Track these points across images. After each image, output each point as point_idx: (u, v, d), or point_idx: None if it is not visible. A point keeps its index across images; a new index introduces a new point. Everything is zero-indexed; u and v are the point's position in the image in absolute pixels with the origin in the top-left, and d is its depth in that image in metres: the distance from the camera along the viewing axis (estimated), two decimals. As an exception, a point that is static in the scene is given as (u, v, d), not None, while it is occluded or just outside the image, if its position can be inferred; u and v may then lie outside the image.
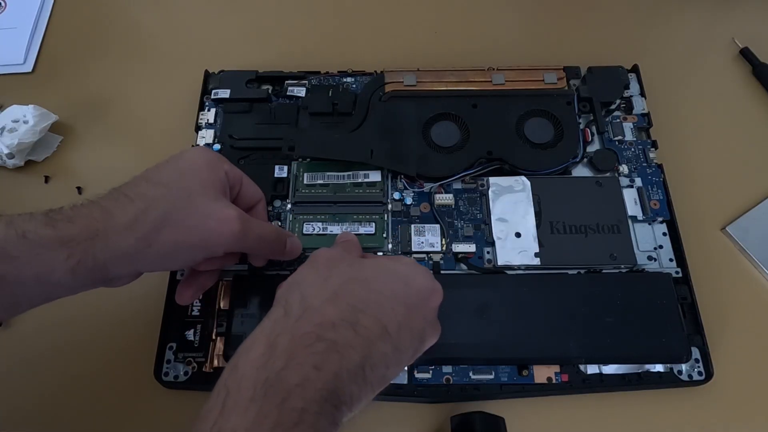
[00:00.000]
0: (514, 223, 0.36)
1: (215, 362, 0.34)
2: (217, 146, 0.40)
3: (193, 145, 0.41)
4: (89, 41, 0.49)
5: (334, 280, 0.25)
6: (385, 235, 0.37)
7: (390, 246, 0.37)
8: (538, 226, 0.36)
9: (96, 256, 0.26)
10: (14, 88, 0.46)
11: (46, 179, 0.42)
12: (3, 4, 0.50)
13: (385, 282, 0.26)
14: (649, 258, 0.36)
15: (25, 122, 0.41)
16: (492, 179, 0.38)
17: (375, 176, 0.38)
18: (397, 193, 0.38)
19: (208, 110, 0.42)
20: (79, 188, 0.42)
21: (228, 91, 0.41)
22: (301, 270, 0.27)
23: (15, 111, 0.42)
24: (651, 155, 0.39)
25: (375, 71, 0.43)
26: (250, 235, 0.29)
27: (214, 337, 0.34)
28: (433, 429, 0.33)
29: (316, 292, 0.25)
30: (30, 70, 0.47)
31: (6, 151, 0.41)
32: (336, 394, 0.22)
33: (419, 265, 0.29)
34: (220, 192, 0.29)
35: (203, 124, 0.41)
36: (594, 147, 0.40)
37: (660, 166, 0.39)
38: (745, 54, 0.45)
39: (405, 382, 0.33)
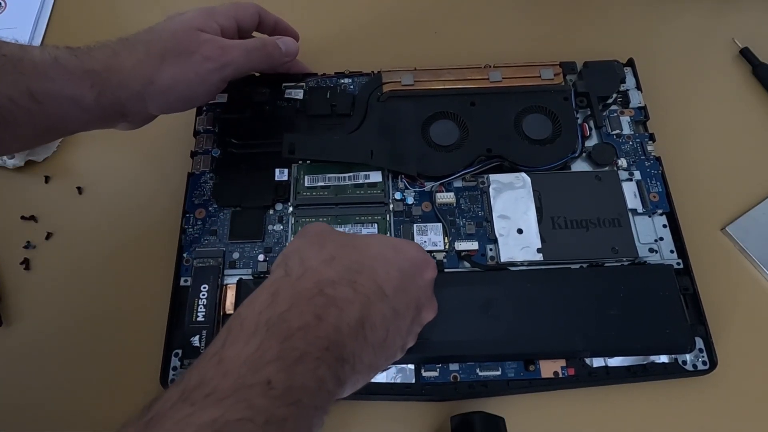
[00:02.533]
0: (515, 220, 0.36)
1: (222, 367, 0.33)
2: (216, 151, 0.40)
3: (192, 151, 0.41)
4: (89, 41, 0.48)
5: (330, 246, 0.26)
6: (388, 235, 0.37)
7: (393, 246, 0.37)
8: (539, 221, 0.36)
9: (113, 91, 0.30)
10: None
11: (46, 179, 0.42)
12: (3, 4, 0.50)
13: (378, 249, 0.27)
14: (651, 250, 0.36)
15: None
16: (492, 176, 0.38)
17: (376, 177, 0.38)
18: (399, 193, 0.38)
19: (206, 114, 0.42)
20: (79, 188, 0.42)
21: (225, 95, 0.41)
22: (294, 241, 0.28)
23: None
24: (649, 148, 0.40)
25: (372, 72, 0.43)
26: (235, 56, 0.34)
27: (220, 342, 0.34)
28: (433, 429, 0.33)
29: (314, 255, 0.26)
30: None
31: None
32: (337, 346, 0.22)
33: (411, 241, 0.29)
34: (207, 33, 0.33)
35: (201, 129, 0.41)
36: (592, 141, 0.40)
37: (658, 159, 0.39)
38: (745, 54, 0.45)
39: (413, 381, 0.33)
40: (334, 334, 0.22)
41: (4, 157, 0.41)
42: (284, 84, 0.42)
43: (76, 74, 0.29)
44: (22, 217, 0.41)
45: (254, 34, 0.40)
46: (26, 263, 0.39)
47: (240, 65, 0.35)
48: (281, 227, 0.37)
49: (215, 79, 0.34)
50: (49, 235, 0.40)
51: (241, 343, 0.21)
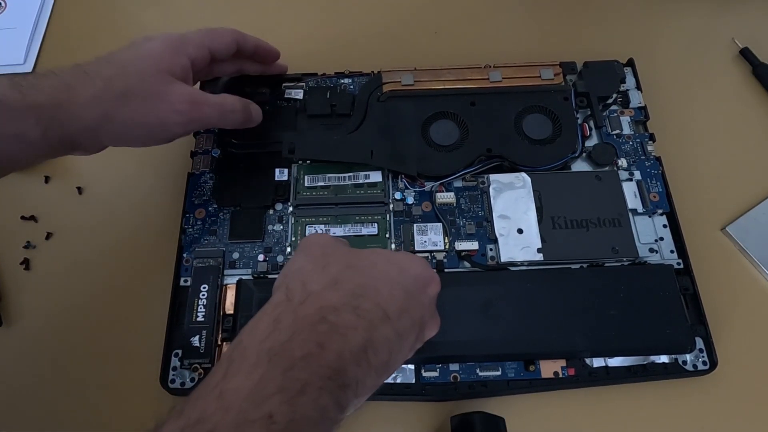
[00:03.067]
0: (515, 220, 0.36)
1: (222, 367, 0.33)
2: (216, 151, 0.40)
3: (192, 151, 0.41)
4: (89, 41, 0.49)
5: (333, 268, 0.26)
6: (387, 236, 0.37)
7: (393, 246, 0.37)
8: (539, 221, 0.36)
9: (62, 126, 0.28)
10: None
11: (46, 179, 0.42)
12: (3, 4, 0.50)
13: (383, 269, 0.26)
14: (651, 250, 0.36)
15: None
16: (492, 176, 0.38)
17: (376, 177, 0.38)
18: (399, 192, 0.38)
19: (206, 115, 0.42)
20: (79, 188, 0.42)
21: (225, 96, 0.41)
22: (296, 258, 0.27)
23: None
24: (649, 148, 0.40)
25: (372, 71, 0.43)
26: (206, 113, 0.32)
27: (219, 342, 0.34)
28: (433, 429, 0.33)
29: (316, 278, 0.25)
30: (30, 70, 0.47)
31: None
32: (340, 374, 0.22)
33: (416, 256, 0.29)
34: (177, 76, 0.31)
35: (201, 129, 0.41)
36: (592, 141, 0.40)
37: (658, 159, 0.39)
38: (745, 54, 0.45)
39: (413, 381, 0.33)
40: (337, 361, 0.22)
41: (4, 158, 0.41)
42: (284, 84, 0.42)
43: (17, 110, 0.27)
44: (22, 217, 0.40)
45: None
46: (26, 263, 0.39)
47: (210, 123, 0.34)
48: (281, 227, 0.37)
49: (179, 131, 0.32)
50: (49, 235, 0.40)
51: (243, 375, 0.21)
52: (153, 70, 0.30)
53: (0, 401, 0.35)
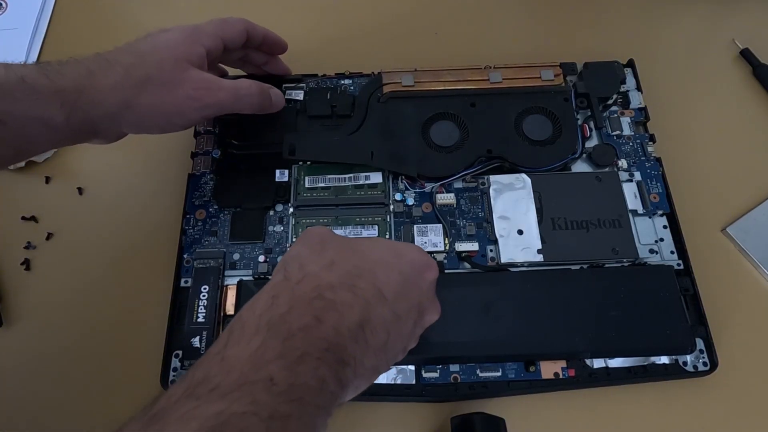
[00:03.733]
0: (516, 221, 0.36)
1: (222, 368, 0.34)
2: (216, 152, 0.40)
3: (192, 151, 0.41)
4: (90, 42, 0.48)
5: (330, 251, 0.26)
6: (388, 236, 0.37)
7: (393, 247, 0.37)
8: (539, 222, 0.36)
9: (85, 111, 0.29)
10: None
11: (47, 180, 0.42)
12: (4, 4, 0.50)
13: (380, 252, 0.27)
14: (651, 251, 0.36)
15: None
16: (492, 177, 0.38)
17: (376, 178, 0.38)
18: (399, 194, 0.38)
19: (207, 116, 0.42)
20: (79, 189, 0.42)
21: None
22: (295, 246, 0.28)
23: None
24: (649, 149, 0.40)
25: (372, 72, 0.43)
26: (221, 97, 0.33)
27: (220, 343, 0.34)
28: (434, 430, 0.33)
29: (313, 260, 0.25)
30: None
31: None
32: (338, 348, 0.22)
33: (413, 244, 0.29)
34: (194, 64, 0.32)
35: (202, 130, 0.41)
36: (592, 142, 0.40)
37: (658, 160, 0.39)
38: (746, 55, 0.45)
39: (413, 382, 0.33)
40: (334, 336, 0.22)
41: (5, 158, 0.41)
42: (284, 85, 0.42)
43: (44, 94, 0.28)
44: (23, 218, 0.41)
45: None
46: (26, 264, 0.39)
47: (225, 107, 0.34)
48: (282, 228, 0.37)
49: (196, 116, 0.33)
50: (49, 236, 0.40)
51: (244, 343, 0.21)
52: (170, 58, 0.31)
53: (0, 401, 0.35)
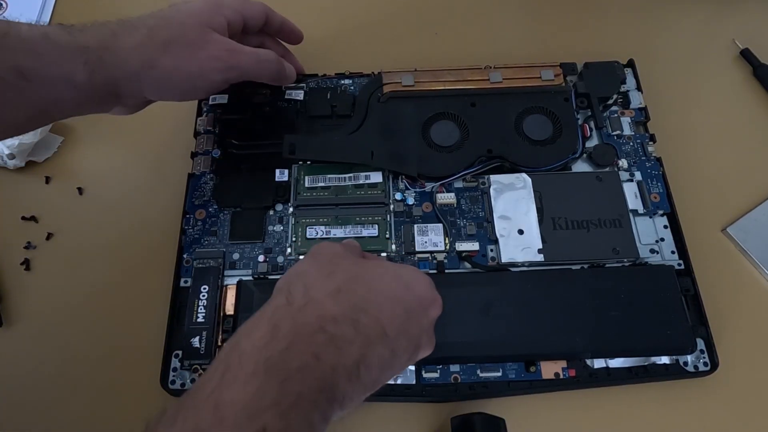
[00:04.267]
0: (516, 220, 0.36)
1: (222, 368, 0.33)
2: (216, 152, 0.40)
3: (192, 151, 0.41)
4: None
5: (338, 276, 0.25)
6: (388, 236, 0.37)
7: (394, 247, 0.37)
8: (540, 222, 0.36)
9: (108, 69, 0.29)
10: None
11: (47, 180, 0.42)
12: (4, 4, 0.50)
13: (388, 284, 0.26)
14: (651, 251, 0.36)
15: None
16: (493, 177, 0.38)
17: (376, 177, 0.38)
18: (399, 193, 0.38)
19: (206, 115, 0.42)
20: (79, 189, 0.42)
21: (225, 96, 0.41)
22: (303, 262, 0.27)
23: None
24: (649, 149, 0.40)
25: (372, 72, 0.43)
26: (243, 61, 0.33)
27: (219, 343, 0.34)
28: (434, 430, 0.33)
29: (319, 285, 0.25)
30: None
31: (7, 151, 0.41)
32: (331, 388, 0.22)
33: (423, 274, 0.28)
34: (216, 31, 0.33)
35: (202, 130, 0.41)
36: (593, 142, 0.40)
37: (659, 160, 0.39)
38: (746, 55, 0.45)
39: (413, 382, 0.33)
40: (331, 376, 0.22)
41: (5, 158, 0.41)
42: (284, 85, 0.42)
43: (68, 51, 0.28)
44: (23, 218, 0.40)
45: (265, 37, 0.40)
46: (26, 263, 0.39)
47: (246, 71, 0.34)
48: (281, 228, 0.37)
49: (218, 79, 0.33)
50: (49, 236, 0.40)
51: (240, 385, 0.20)
52: (193, 22, 0.32)
53: (0, 401, 0.34)
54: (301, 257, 0.36)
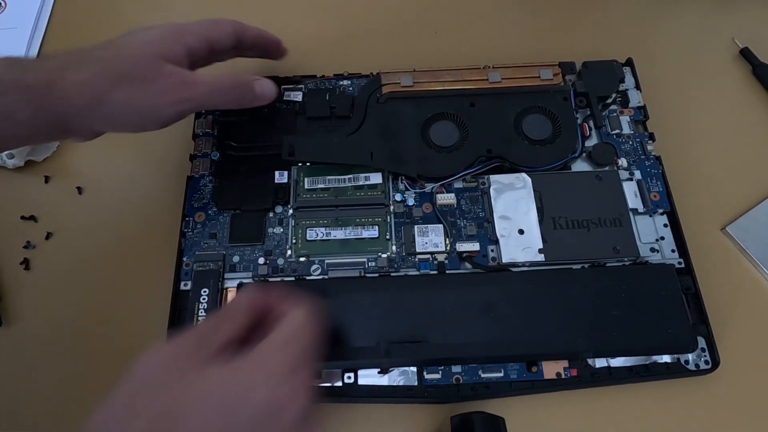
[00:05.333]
0: (516, 220, 0.36)
1: (223, 371, 0.33)
2: (215, 154, 0.40)
3: (191, 154, 0.40)
4: (89, 41, 0.48)
5: (140, 420, 0.21)
6: (388, 237, 0.37)
7: (394, 248, 0.36)
8: (540, 222, 0.36)
9: (55, 105, 0.28)
10: None
11: (46, 179, 0.42)
12: (3, 4, 0.50)
13: (205, 416, 0.22)
14: (652, 250, 0.36)
15: None
16: (493, 177, 0.38)
17: (376, 178, 0.38)
18: (399, 194, 0.38)
19: (205, 118, 0.42)
20: (79, 188, 0.41)
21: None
22: (113, 393, 0.23)
23: None
24: (649, 147, 0.40)
25: (371, 73, 0.43)
26: (196, 93, 0.31)
27: (221, 346, 0.34)
28: (433, 429, 0.33)
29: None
30: None
31: (6, 151, 0.40)
32: None
33: (271, 370, 0.23)
34: (171, 61, 0.31)
35: (200, 132, 0.41)
36: (592, 141, 0.40)
37: (658, 158, 0.39)
38: (745, 54, 0.45)
39: (415, 383, 0.33)
40: None
41: (4, 157, 0.41)
42: (283, 86, 0.42)
43: (9, 88, 0.28)
44: (22, 217, 0.40)
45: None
46: (26, 263, 0.39)
47: (201, 104, 0.33)
48: (281, 230, 0.37)
49: (170, 113, 0.31)
50: (48, 235, 0.40)
51: None
52: (146, 54, 0.30)
53: (0, 401, 0.34)
54: (302, 258, 0.36)
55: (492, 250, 0.36)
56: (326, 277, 0.36)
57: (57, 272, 0.39)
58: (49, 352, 0.36)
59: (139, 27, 0.33)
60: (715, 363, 0.33)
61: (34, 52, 0.48)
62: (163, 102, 0.31)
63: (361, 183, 0.38)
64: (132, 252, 0.39)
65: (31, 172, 0.42)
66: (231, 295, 0.35)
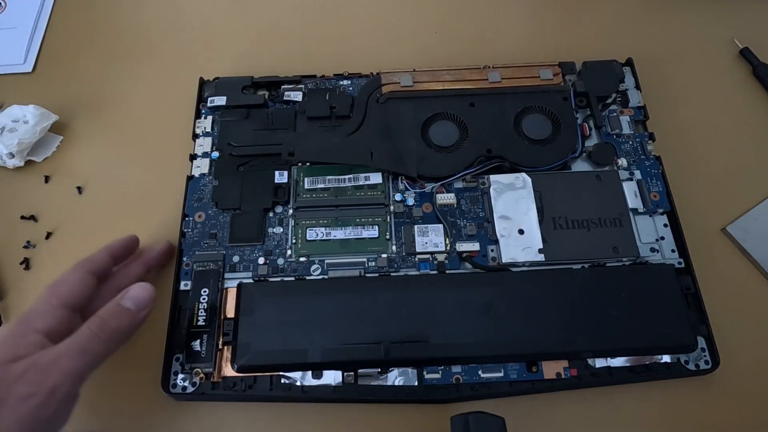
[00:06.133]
0: (516, 220, 0.36)
1: (223, 371, 0.33)
2: (215, 154, 0.40)
3: (191, 153, 0.40)
4: (89, 41, 0.49)
5: None
6: (388, 237, 0.37)
7: (394, 248, 0.36)
8: (540, 222, 0.36)
9: None
10: (14, 88, 0.46)
11: (46, 179, 0.42)
12: (3, 4, 0.50)
13: None
14: (652, 250, 0.36)
15: (25, 122, 0.41)
16: (493, 177, 0.38)
17: (376, 178, 0.38)
18: (399, 194, 0.38)
19: (205, 118, 0.42)
20: (79, 188, 0.41)
21: (224, 98, 0.41)
22: None
23: (15, 111, 0.42)
24: (649, 147, 0.40)
25: (371, 73, 0.43)
26: (63, 370, 0.26)
27: (220, 346, 0.34)
28: (433, 429, 0.33)
29: None
30: (30, 70, 0.47)
31: (6, 151, 0.41)
32: None
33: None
34: (24, 355, 0.26)
35: (200, 132, 0.41)
36: (592, 141, 0.40)
37: (658, 158, 0.39)
38: (745, 54, 0.45)
39: (415, 383, 0.33)
40: None
41: (4, 157, 0.41)
42: (283, 86, 0.42)
43: None
44: (22, 217, 0.40)
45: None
46: (26, 263, 0.39)
47: (80, 373, 0.27)
48: (281, 230, 0.37)
49: (54, 408, 0.26)
50: (48, 235, 0.40)
51: None
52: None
53: None
54: (302, 258, 0.36)
55: (492, 250, 0.36)
56: (326, 277, 0.36)
57: (57, 272, 0.38)
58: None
59: None
60: (715, 363, 0.33)
61: (34, 52, 0.48)
62: (34, 405, 0.25)
63: (361, 183, 0.38)
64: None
65: (31, 172, 0.42)
66: (231, 295, 0.35)
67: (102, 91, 0.46)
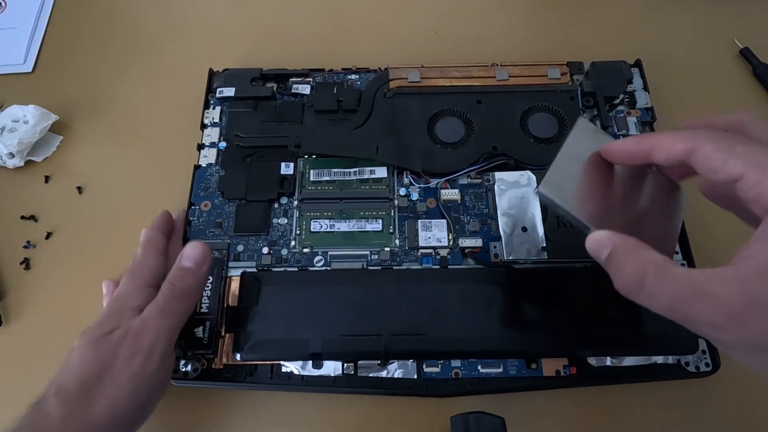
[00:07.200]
0: (520, 218, 0.36)
1: (224, 359, 0.34)
2: (223, 144, 0.40)
3: (198, 143, 0.41)
4: (89, 41, 0.49)
5: None
6: (392, 231, 0.37)
7: (397, 242, 0.37)
8: (544, 220, 0.36)
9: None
10: (14, 88, 0.46)
11: (47, 179, 0.42)
12: (3, 3, 0.51)
13: None
14: (655, 251, 0.36)
15: (25, 122, 0.42)
16: (497, 174, 0.38)
17: (381, 172, 0.38)
18: (403, 188, 0.38)
19: (213, 108, 0.42)
20: (79, 188, 0.42)
21: (233, 89, 0.41)
22: None
23: (15, 111, 0.42)
24: (655, 149, 0.40)
25: (379, 68, 0.43)
26: (154, 329, 0.29)
27: (223, 333, 0.34)
28: (433, 425, 0.33)
29: None
30: (30, 70, 0.47)
31: (6, 151, 0.41)
32: None
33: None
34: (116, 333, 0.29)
35: (209, 122, 0.42)
36: (598, 141, 0.40)
37: (664, 160, 0.39)
38: (745, 54, 0.45)
39: (414, 377, 0.33)
40: None
41: (4, 157, 0.41)
42: (291, 79, 0.43)
43: None
44: (22, 217, 0.41)
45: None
46: (26, 263, 0.39)
47: (169, 330, 0.30)
48: (286, 221, 0.38)
49: (156, 363, 0.29)
50: (48, 235, 0.40)
51: None
52: (90, 348, 0.29)
53: (0, 401, 0.35)
54: (305, 249, 0.37)
55: (495, 247, 0.37)
56: (329, 268, 0.36)
57: (57, 272, 0.39)
58: (49, 352, 0.36)
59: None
60: (716, 365, 0.33)
61: (34, 52, 0.48)
62: (137, 365, 0.29)
63: (366, 176, 0.38)
64: (132, 250, 0.39)
65: (31, 172, 0.42)
66: (235, 283, 0.36)
67: (102, 90, 0.46)
